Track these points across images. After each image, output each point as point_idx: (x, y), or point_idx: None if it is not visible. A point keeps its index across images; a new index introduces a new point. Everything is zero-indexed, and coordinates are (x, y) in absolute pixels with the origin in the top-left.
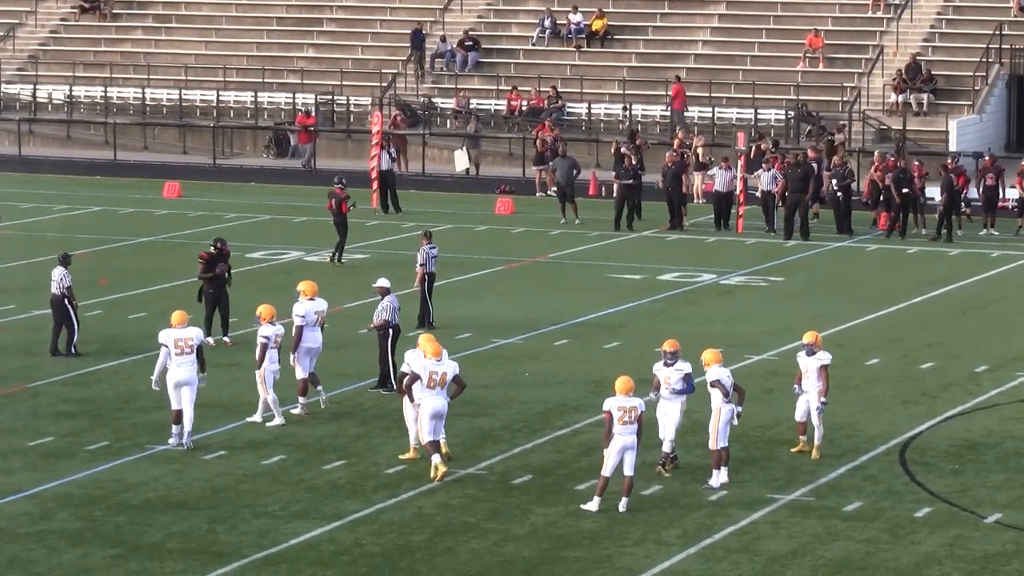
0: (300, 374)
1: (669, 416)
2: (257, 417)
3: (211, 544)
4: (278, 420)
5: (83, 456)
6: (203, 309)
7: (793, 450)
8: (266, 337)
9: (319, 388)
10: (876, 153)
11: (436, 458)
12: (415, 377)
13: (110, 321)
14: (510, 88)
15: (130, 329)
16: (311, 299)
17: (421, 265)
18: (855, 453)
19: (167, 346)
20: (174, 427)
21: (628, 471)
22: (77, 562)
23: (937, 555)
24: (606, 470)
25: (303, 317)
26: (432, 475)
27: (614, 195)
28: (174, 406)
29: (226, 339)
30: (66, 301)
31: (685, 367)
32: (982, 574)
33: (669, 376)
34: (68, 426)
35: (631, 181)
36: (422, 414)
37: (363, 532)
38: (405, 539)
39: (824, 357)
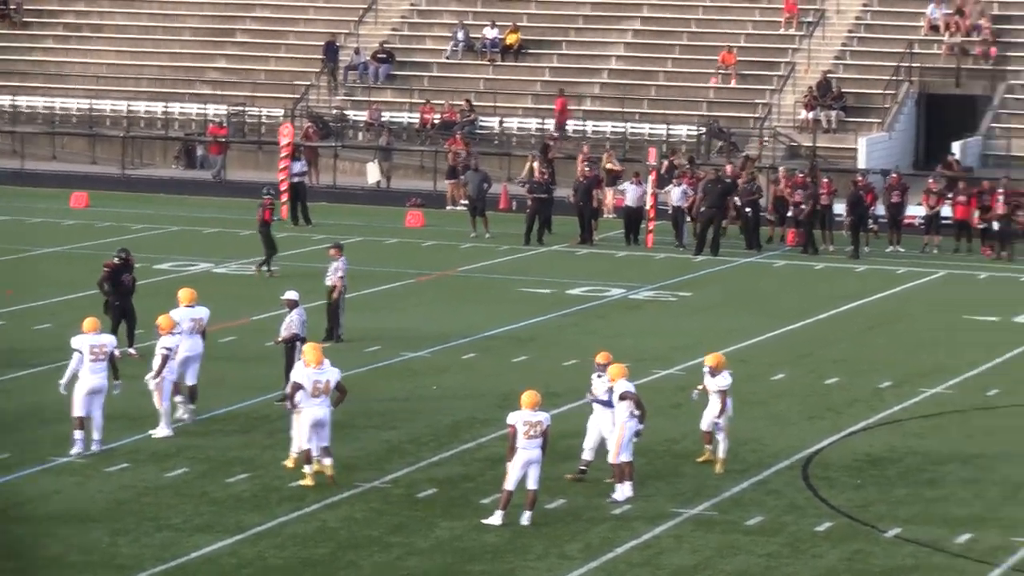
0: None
1: (596, 426)
2: (161, 431)
3: (112, 557)
4: (165, 431)
5: None
6: (108, 321)
7: (699, 460)
8: (168, 348)
9: (191, 406)
10: (781, 169)
11: (308, 468)
12: (298, 386)
13: (13, 333)
14: (423, 101)
15: (35, 341)
16: (188, 306)
17: (340, 277)
18: (759, 468)
19: (81, 352)
20: (76, 433)
21: (532, 485)
22: None
23: (837, 569)
24: (509, 484)
25: (177, 324)
26: (309, 482)
27: (526, 209)
28: (77, 413)
29: (131, 351)
30: None
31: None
32: None
33: (596, 387)
34: None
35: (543, 195)
36: (302, 422)
37: (266, 545)
38: (308, 552)
39: (723, 382)
